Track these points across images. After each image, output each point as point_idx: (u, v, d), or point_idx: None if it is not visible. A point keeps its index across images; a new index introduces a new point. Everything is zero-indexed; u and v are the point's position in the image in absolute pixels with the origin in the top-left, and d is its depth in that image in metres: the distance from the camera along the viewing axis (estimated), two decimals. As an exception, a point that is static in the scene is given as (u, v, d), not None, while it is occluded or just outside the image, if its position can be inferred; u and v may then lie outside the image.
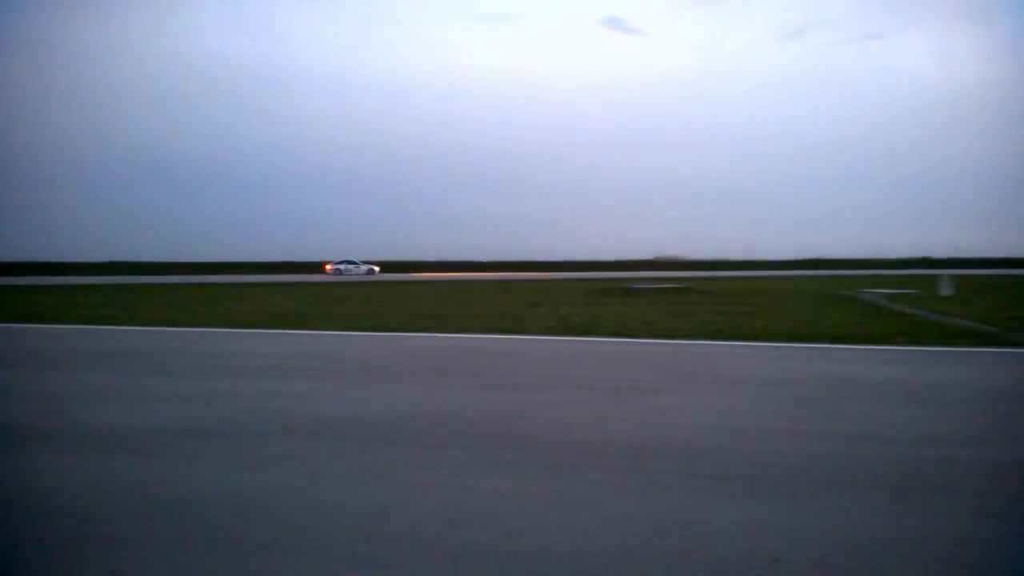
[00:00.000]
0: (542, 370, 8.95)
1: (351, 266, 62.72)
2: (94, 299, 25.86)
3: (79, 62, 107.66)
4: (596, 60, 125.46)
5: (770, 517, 3.74)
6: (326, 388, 7.66)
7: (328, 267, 62.67)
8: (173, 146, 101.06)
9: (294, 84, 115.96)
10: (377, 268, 63.72)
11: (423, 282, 45.85)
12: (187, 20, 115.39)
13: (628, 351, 10.48)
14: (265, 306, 21.73)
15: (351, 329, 13.90)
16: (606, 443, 5.21)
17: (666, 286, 34.49)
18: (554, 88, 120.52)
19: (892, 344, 10.89)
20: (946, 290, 25.99)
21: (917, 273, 65.50)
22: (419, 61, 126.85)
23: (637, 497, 4.08)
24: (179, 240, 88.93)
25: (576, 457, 4.86)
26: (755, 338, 11.69)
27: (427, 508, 3.91)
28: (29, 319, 16.87)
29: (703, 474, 4.47)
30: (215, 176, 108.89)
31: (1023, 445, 5.17)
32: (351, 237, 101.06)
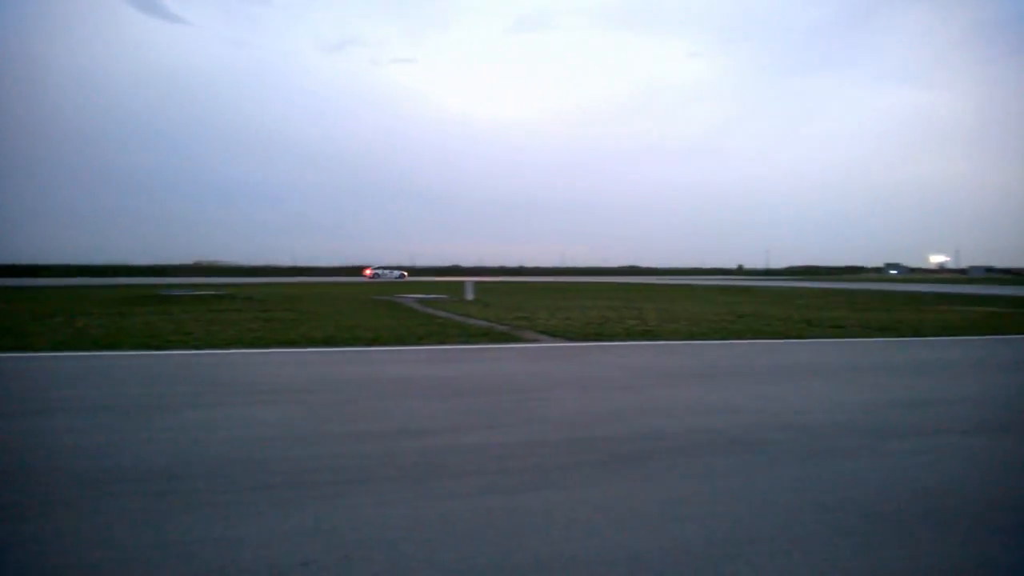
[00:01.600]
0: (41, 394, 7.59)
1: (386, 271, 73.71)
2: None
3: None
4: (125, 45, 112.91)
5: (301, 521, 3.74)
6: None
7: (367, 272, 74.73)
8: None
9: None
10: (406, 273, 74.33)
11: None
12: None
13: (154, 365, 9.53)
14: None
15: None
16: (128, 468, 4.63)
17: (206, 293, 32.70)
18: (76, 74, 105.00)
19: (423, 344, 12.02)
20: (469, 295, 29.84)
21: (447, 280, 73.78)
22: None
23: (160, 521, 3.69)
24: None
25: (82, 489, 4.20)
26: (296, 344, 11.76)
27: None
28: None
29: (234, 488, 4.27)
30: None
31: (525, 427, 6.13)
32: None
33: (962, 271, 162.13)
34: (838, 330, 15.54)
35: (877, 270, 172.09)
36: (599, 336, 13.44)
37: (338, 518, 3.80)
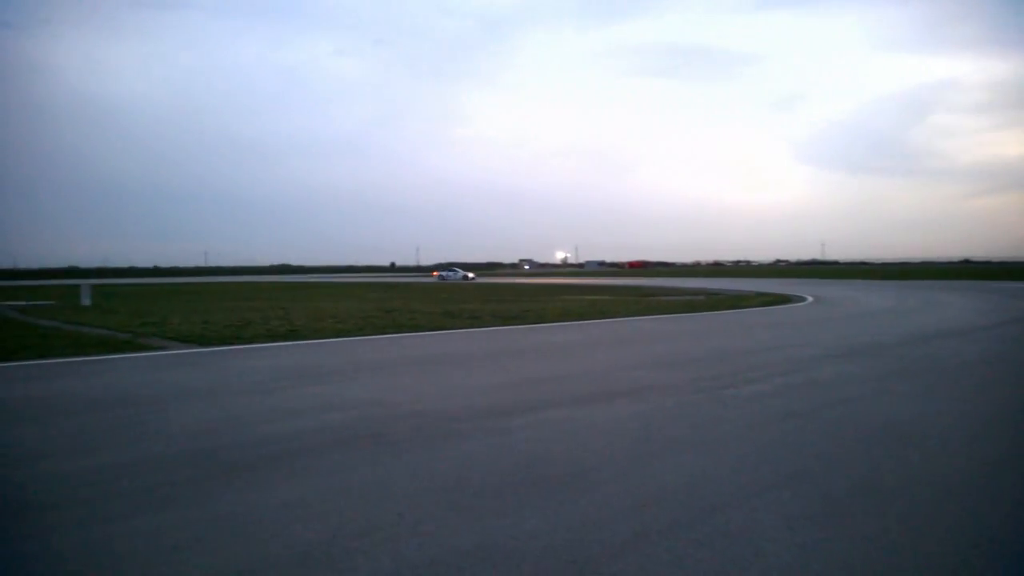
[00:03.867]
0: None
1: (451, 273, 69.16)
2: None
3: None
4: None
5: None
6: None
7: (435, 273, 73.71)
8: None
9: None
10: (472, 275, 68.32)
11: None
12: None
13: None
14: None
15: None
16: None
17: None
18: None
19: (17, 360, 10.09)
20: (86, 300, 26.01)
21: (59, 284, 63.64)
22: None
23: None
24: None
25: None
26: None
27: None
28: None
29: None
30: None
31: (137, 446, 5.43)
32: None
33: (580, 265, 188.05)
34: (475, 320, 16.79)
35: (513, 265, 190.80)
36: (238, 339, 12.65)
37: None
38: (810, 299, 26.23)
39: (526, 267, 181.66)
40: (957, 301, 24.17)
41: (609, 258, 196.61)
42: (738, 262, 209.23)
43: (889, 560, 3.26)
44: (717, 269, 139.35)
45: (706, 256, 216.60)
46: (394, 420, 6.13)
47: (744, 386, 7.76)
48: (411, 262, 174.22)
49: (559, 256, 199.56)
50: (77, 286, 33.12)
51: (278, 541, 3.47)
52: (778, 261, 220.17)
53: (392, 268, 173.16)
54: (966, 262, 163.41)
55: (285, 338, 12.91)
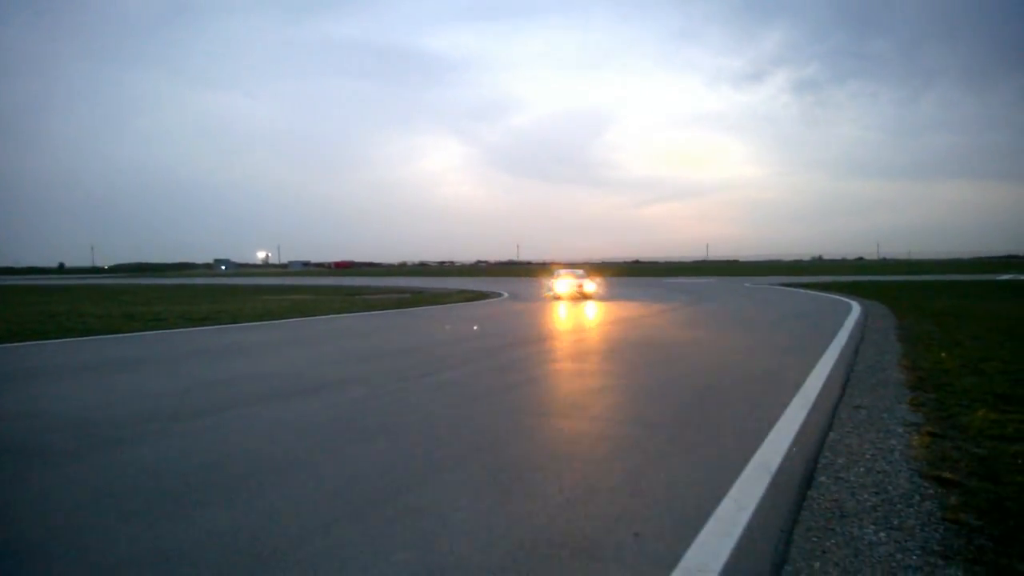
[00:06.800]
0: None
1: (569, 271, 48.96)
2: None
3: None
4: None
5: None
6: None
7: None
8: None
9: None
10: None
11: None
12: None
13: None
14: None
15: None
16: None
17: None
18: None
19: None
20: None
21: None
22: None
23: None
24: None
25: None
26: None
27: None
28: None
29: None
30: None
31: None
32: None
33: (284, 265, 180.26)
34: (159, 323, 15.29)
35: (208, 266, 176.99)
36: None
37: None
38: (505, 294, 28.20)
39: (223, 268, 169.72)
40: (629, 292, 27.72)
41: (315, 258, 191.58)
42: (443, 263, 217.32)
43: (568, 517, 3.65)
44: (423, 269, 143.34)
45: (411, 257, 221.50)
46: (55, 430, 5.37)
47: (439, 374, 8.12)
48: (86, 263, 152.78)
49: (260, 256, 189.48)
50: None
51: None
52: (479, 262, 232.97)
53: (61, 269, 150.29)
54: (636, 262, 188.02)
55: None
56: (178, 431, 5.41)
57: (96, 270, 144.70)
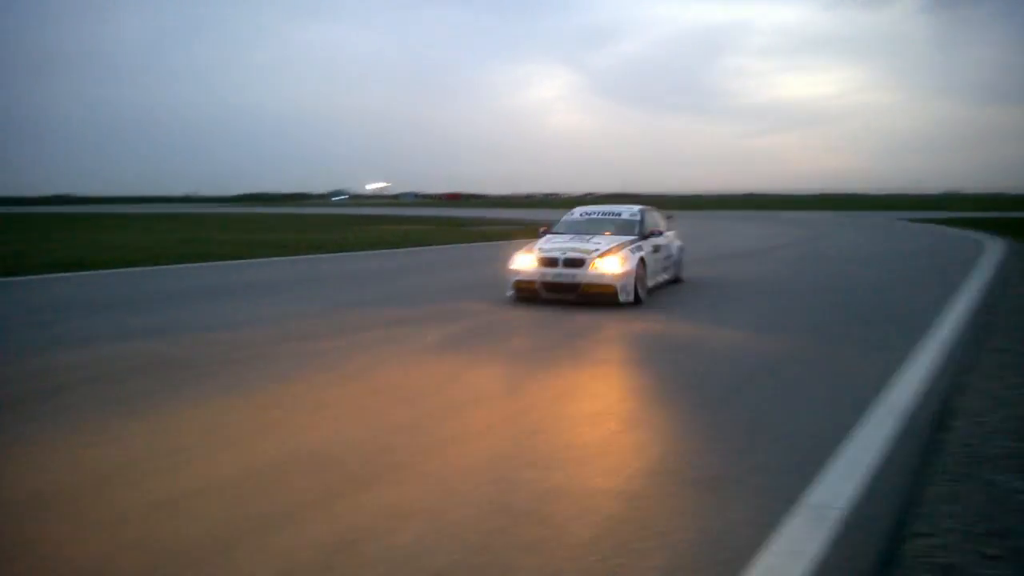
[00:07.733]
0: None
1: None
2: None
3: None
4: None
5: None
6: None
7: None
8: None
9: None
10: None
11: None
12: None
13: None
14: None
15: None
16: None
17: None
18: None
19: None
20: None
21: None
22: None
23: None
24: None
25: None
26: None
27: None
28: None
29: None
30: None
31: None
32: None
33: (395, 196, 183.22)
34: (283, 249, 16.17)
35: (323, 196, 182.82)
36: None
37: None
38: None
39: (338, 198, 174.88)
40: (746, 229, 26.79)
41: (424, 189, 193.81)
42: (548, 195, 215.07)
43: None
44: (529, 201, 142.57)
45: (516, 189, 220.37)
46: (196, 346, 5.88)
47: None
48: (215, 192, 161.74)
49: (373, 187, 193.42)
50: None
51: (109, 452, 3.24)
52: (587, 194, 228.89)
53: (190, 199, 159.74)
54: (750, 195, 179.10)
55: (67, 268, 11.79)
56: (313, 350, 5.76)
57: (222, 199, 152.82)
